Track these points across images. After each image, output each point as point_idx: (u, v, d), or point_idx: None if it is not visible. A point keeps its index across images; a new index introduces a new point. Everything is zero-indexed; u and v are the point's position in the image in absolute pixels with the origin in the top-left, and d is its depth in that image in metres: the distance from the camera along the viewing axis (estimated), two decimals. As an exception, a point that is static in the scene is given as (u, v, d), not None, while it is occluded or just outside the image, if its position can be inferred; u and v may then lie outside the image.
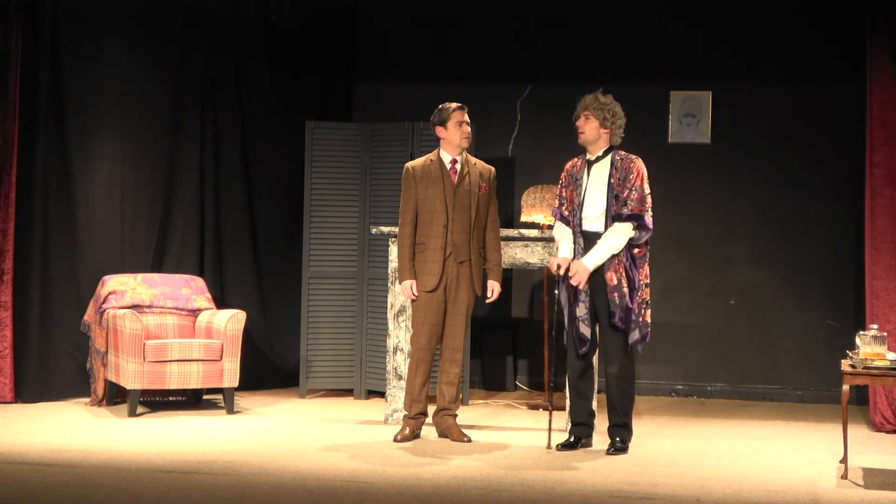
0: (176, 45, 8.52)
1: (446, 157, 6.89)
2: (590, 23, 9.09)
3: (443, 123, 6.88)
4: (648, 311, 6.52)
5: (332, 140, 8.58)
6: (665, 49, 8.95)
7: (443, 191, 6.81)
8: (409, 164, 6.97)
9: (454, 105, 6.89)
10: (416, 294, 6.82)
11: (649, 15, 8.99)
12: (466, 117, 6.90)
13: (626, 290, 6.41)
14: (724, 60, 8.88)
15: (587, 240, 6.50)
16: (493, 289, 6.93)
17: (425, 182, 6.84)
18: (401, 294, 7.32)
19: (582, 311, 6.52)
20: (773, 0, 8.79)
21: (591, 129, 6.54)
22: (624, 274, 6.42)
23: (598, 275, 6.46)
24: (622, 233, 6.42)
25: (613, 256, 6.42)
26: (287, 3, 8.96)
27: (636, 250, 6.48)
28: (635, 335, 6.45)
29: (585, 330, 6.52)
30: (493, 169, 7.02)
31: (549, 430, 6.61)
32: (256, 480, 5.67)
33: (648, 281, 6.54)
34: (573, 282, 6.45)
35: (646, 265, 6.53)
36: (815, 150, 8.77)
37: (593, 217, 6.49)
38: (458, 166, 6.87)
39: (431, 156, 6.95)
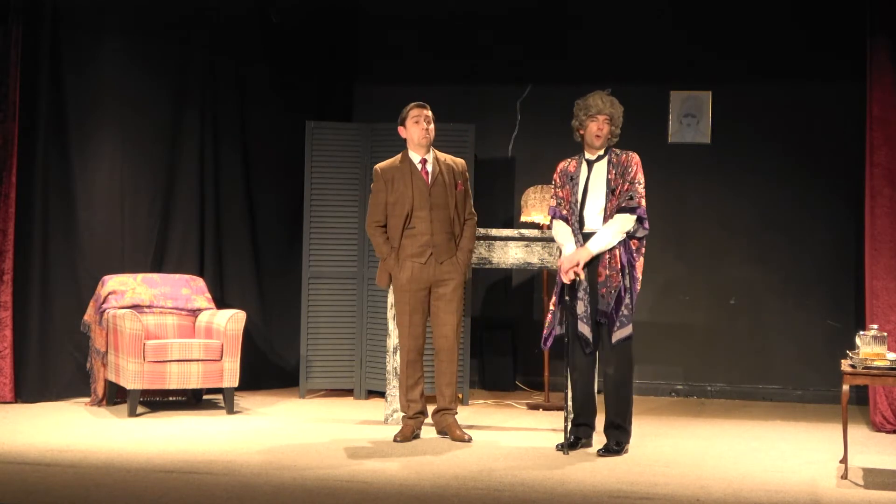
0: (176, 45, 8.53)
1: (415, 158, 6.86)
2: (590, 23, 9.09)
3: (402, 123, 6.87)
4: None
5: (332, 140, 8.58)
6: (665, 49, 8.95)
7: (419, 192, 6.77)
8: (379, 166, 6.92)
9: (413, 104, 6.87)
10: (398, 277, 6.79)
11: (649, 15, 8.99)
12: (427, 113, 6.83)
13: (617, 283, 6.39)
14: (724, 60, 8.88)
15: (587, 239, 6.50)
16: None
17: (396, 184, 6.79)
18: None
19: (581, 308, 6.51)
20: (774, 0, 8.79)
21: (607, 134, 6.57)
22: (619, 268, 6.41)
23: (592, 271, 6.47)
24: (625, 222, 6.43)
25: (607, 253, 6.42)
26: (287, 2, 8.96)
27: (633, 241, 6.49)
28: (626, 331, 6.43)
29: (584, 328, 6.51)
30: (463, 162, 6.98)
31: (566, 430, 6.56)
32: (256, 480, 5.67)
33: (640, 276, 6.54)
34: (569, 266, 6.42)
35: (642, 259, 6.52)
36: (815, 150, 8.77)
37: (594, 215, 6.49)
38: (428, 166, 6.84)
39: (400, 157, 6.89)
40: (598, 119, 6.55)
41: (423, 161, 6.84)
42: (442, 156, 6.92)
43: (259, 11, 8.87)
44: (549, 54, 9.17)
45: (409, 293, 6.79)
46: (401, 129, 6.88)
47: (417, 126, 6.81)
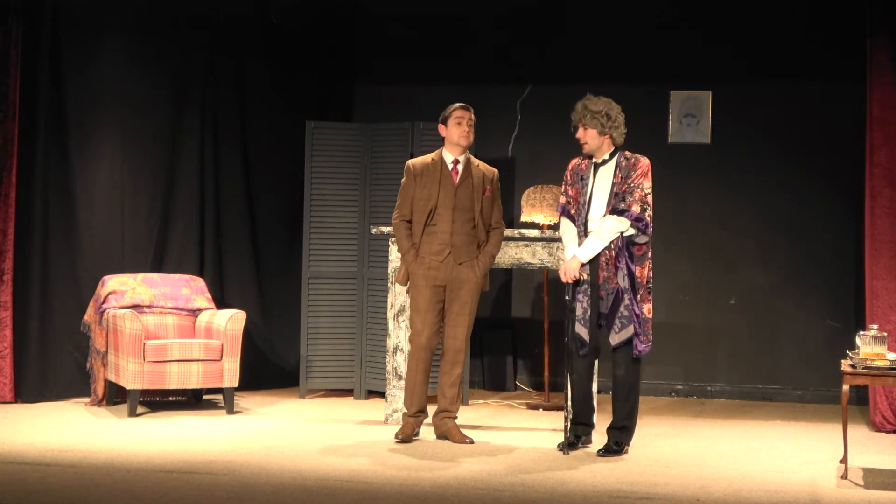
0: (176, 45, 8.53)
1: (448, 157, 6.88)
2: (590, 23, 9.09)
3: (444, 121, 6.89)
4: (649, 316, 6.45)
5: (332, 140, 8.58)
6: (665, 49, 8.95)
7: (445, 191, 6.79)
8: (411, 161, 6.96)
9: (457, 104, 6.89)
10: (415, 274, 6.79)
11: (649, 15, 8.99)
12: (470, 116, 6.86)
13: (615, 285, 6.37)
14: (724, 60, 8.88)
15: None
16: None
17: (425, 181, 6.83)
18: (401, 294, 7.32)
19: (578, 310, 6.51)
20: (774, 0, 8.79)
21: (591, 138, 6.53)
22: (615, 270, 6.39)
23: (593, 273, 6.46)
24: (612, 224, 6.38)
25: (605, 255, 6.40)
26: (287, 2, 8.96)
27: (635, 248, 6.45)
28: (626, 333, 6.40)
29: (581, 330, 6.50)
30: (496, 171, 6.99)
31: (566, 430, 6.55)
32: (256, 480, 5.67)
33: (650, 285, 6.48)
34: (565, 274, 6.46)
35: (647, 265, 6.47)
36: (815, 150, 8.77)
37: (597, 218, 6.47)
38: (459, 167, 6.86)
39: (434, 155, 6.93)
40: (578, 128, 6.57)
41: (456, 162, 6.86)
42: (476, 161, 6.95)
43: (259, 11, 8.87)
44: (549, 54, 9.18)
45: (426, 290, 6.78)
46: (441, 128, 6.90)
47: (459, 127, 6.83)
